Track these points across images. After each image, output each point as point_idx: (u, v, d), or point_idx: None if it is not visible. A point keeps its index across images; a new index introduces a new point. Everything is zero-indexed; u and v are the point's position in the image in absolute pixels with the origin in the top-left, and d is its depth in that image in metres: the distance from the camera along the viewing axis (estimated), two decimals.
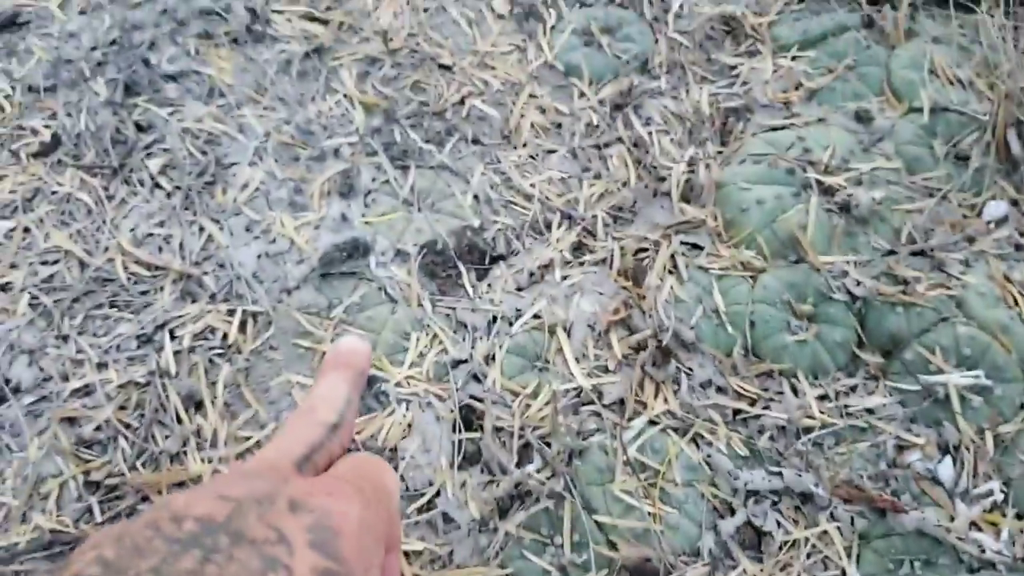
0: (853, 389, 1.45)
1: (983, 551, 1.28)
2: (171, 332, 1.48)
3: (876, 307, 1.49)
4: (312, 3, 1.92)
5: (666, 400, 1.43)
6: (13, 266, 1.54)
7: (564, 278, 1.57)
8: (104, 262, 1.55)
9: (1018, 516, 1.33)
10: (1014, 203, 1.62)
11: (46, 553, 1.29)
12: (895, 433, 1.40)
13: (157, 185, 1.65)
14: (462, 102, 1.78)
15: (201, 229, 1.60)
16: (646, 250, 1.60)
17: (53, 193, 1.63)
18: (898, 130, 1.69)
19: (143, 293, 1.53)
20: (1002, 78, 1.64)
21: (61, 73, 1.79)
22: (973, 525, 1.31)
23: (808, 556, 1.30)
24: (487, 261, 1.60)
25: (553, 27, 1.89)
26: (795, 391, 1.45)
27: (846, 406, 1.43)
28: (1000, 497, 1.34)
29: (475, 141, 1.74)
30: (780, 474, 1.35)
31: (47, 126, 1.72)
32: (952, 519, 1.31)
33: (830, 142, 1.66)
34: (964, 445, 1.38)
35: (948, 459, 1.37)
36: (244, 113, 1.75)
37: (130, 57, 1.82)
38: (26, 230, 1.59)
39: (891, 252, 1.55)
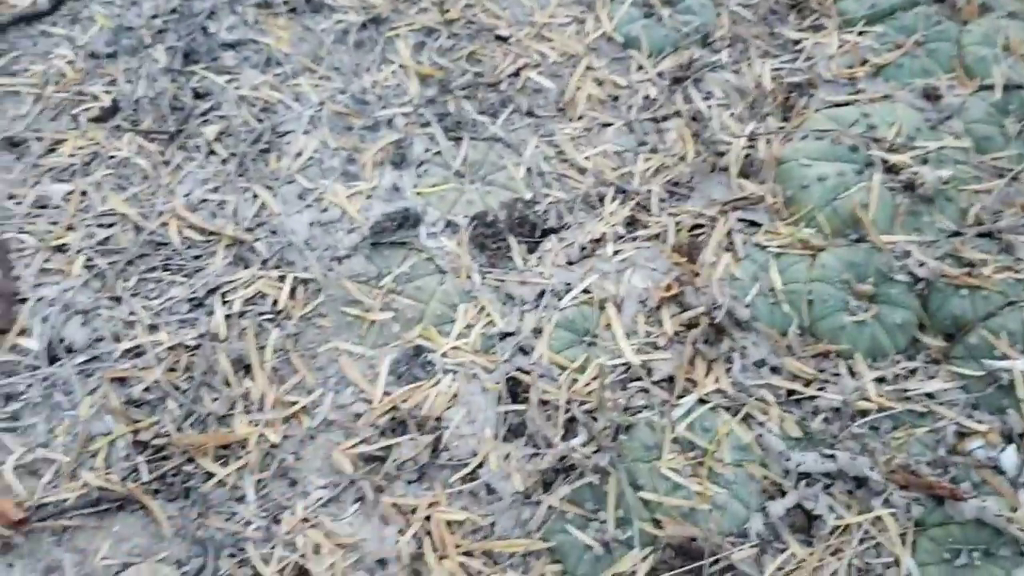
0: (913, 373, 1.40)
1: None
2: (222, 297, 1.49)
3: (940, 289, 1.44)
4: None
5: (717, 379, 1.40)
6: (70, 228, 1.56)
7: (616, 253, 1.54)
8: (158, 226, 1.57)
9: None
10: None
11: (93, 510, 1.31)
12: (956, 419, 1.35)
13: (212, 151, 1.66)
14: (517, 74, 1.76)
15: (255, 196, 1.61)
16: (702, 226, 1.57)
17: (111, 158, 1.65)
18: (968, 108, 1.63)
19: (196, 257, 1.54)
20: None
21: (122, 40, 1.81)
22: None
23: (860, 542, 1.26)
24: (538, 234, 1.58)
25: None
26: (852, 373, 1.40)
27: (905, 390, 1.38)
28: None
29: (529, 113, 1.72)
30: (834, 456, 1.31)
31: (107, 92, 1.74)
32: (1014, 509, 1.26)
33: (896, 119, 1.61)
34: None
35: (1012, 448, 1.32)
36: (300, 82, 1.75)
37: (190, 25, 1.83)
38: (83, 193, 1.61)
39: (957, 233, 1.50)
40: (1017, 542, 1.24)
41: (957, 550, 1.25)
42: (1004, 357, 1.38)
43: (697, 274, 1.50)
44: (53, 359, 1.43)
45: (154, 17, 1.85)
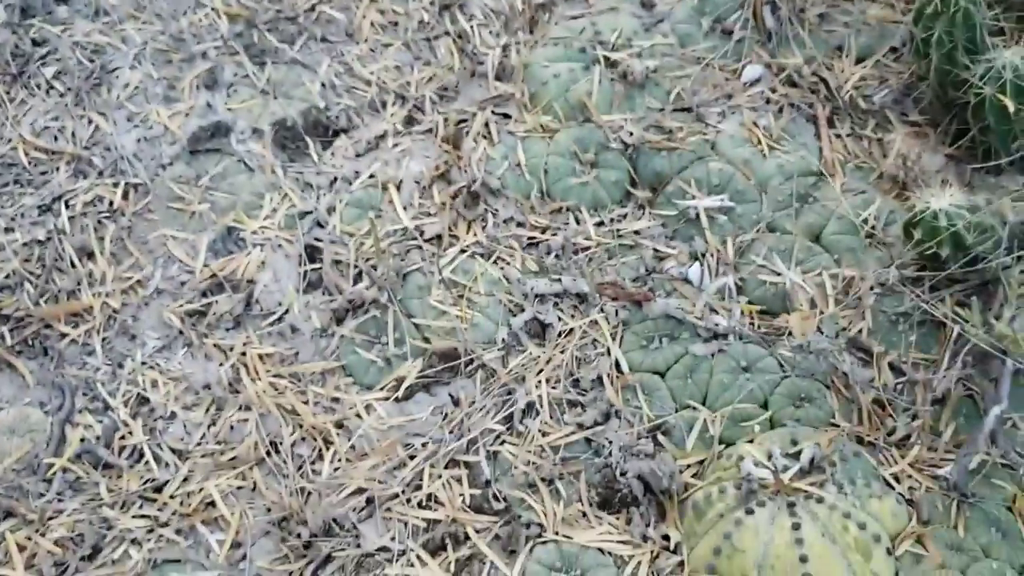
0: (624, 217, 1.80)
1: (717, 326, 1.63)
2: (66, 203, 1.79)
3: (645, 152, 1.84)
4: None
5: (475, 234, 1.77)
6: None
7: (395, 145, 1.90)
8: (8, 150, 1.85)
9: (748, 302, 1.69)
10: (767, 67, 1.97)
11: None
12: (654, 247, 1.75)
13: (51, 87, 1.95)
14: (312, 9, 2.09)
15: (90, 121, 1.91)
16: (465, 121, 1.93)
17: None
18: (674, 13, 2.03)
19: (43, 173, 1.83)
20: None
21: None
22: (711, 309, 1.67)
23: (580, 339, 1.64)
24: (331, 135, 1.92)
25: None
26: (577, 221, 1.79)
27: (618, 230, 1.77)
28: (734, 289, 1.69)
29: (323, 40, 2.05)
30: (560, 280, 1.69)
31: None
32: (694, 305, 1.67)
33: (618, 26, 2.00)
34: (710, 253, 1.73)
35: (696, 264, 1.73)
36: (125, 27, 2.05)
37: None
38: None
39: (661, 110, 1.90)
40: (695, 327, 1.64)
41: (651, 337, 1.65)
42: (693, 198, 1.79)
43: (460, 157, 1.87)
44: None
45: None
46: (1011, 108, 1.66)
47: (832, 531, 1.36)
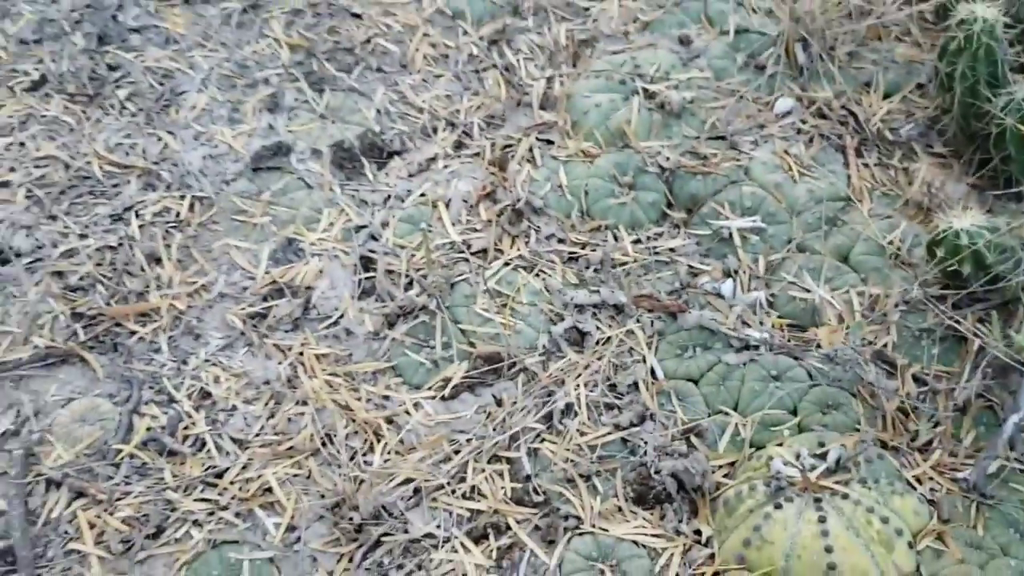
0: (660, 236, 1.90)
1: (749, 338, 1.72)
2: (136, 212, 1.92)
3: (681, 176, 1.94)
4: None
5: (519, 249, 1.88)
6: (12, 169, 1.98)
7: (446, 167, 2.02)
8: (84, 164, 1.99)
9: (779, 316, 1.77)
10: (799, 100, 2.08)
11: (43, 363, 1.72)
12: (689, 263, 1.84)
13: (124, 108, 2.09)
14: (368, 41, 2.23)
15: (159, 139, 2.04)
16: (511, 145, 2.05)
17: (43, 117, 2.07)
18: (710, 49, 2.15)
19: (115, 185, 1.97)
20: (794, 4, 2.10)
21: (45, 29, 2.23)
22: (743, 322, 1.75)
23: (618, 347, 1.74)
24: (385, 156, 2.04)
25: None
26: (616, 238, 1.89)
27: (655, 247, 1.87)
28: (765, 304, 1.78)
29: (379, 70, 2.19)
30: (598, 292, 1.79)
31: (36, 69, 2.16)
32: (726, 318, 1.76)
33: (656, 60, 2.12)
34: (742, 270, 1.83)
35: (729, 280, 1.82)
36: (193, 55, 2.20)
37: (102, 16, 2.26)
38: (21, 144, 2.03)
39: (697, 138, 2.01)
40: (727, 338, 1.73)
41: (685, 347, 1.73)
42: (726, 219, 1.89)
43: (506, 179, 1.98)
44: (5, 262, 1.84)
45: (72, 11, 2.28)
46: (1010, 131, 1.76)
47: (856, 525, 1.43)
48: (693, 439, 1.62)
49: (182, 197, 1.94)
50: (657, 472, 1.56)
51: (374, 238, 1.90)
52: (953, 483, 1.53)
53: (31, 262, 1.84)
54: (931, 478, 1.54)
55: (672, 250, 1.87)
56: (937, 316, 1.69)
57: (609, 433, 1.62)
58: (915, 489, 1.52)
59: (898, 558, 1.42)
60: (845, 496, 1.47)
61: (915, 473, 1.54)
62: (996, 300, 1.70)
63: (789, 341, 1.73)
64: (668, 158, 1.95)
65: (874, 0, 2.17)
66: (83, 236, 1.88)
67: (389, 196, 1.97)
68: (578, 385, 1.68)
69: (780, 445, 1.57)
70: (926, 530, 1.47)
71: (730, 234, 1.87)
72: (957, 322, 1.67)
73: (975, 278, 1.66)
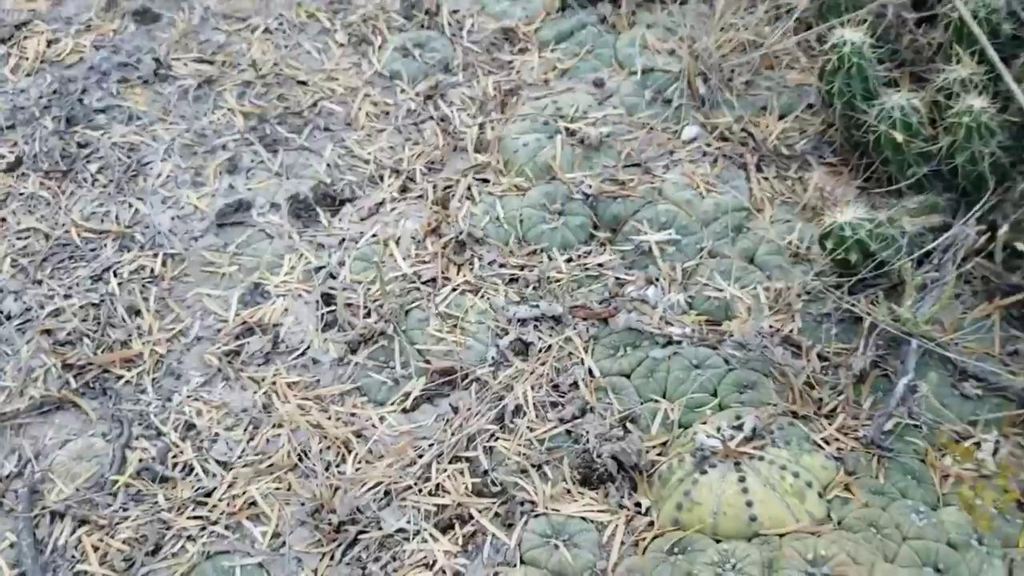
0: (589, 253, 2.13)
1: (672, 335, 1.94)
2: (114, 272, 2.11)
3: (603, 201, 2.18)
4: (202, 50, 2.60)
5: (464, 275, 2.09)
6: None
7: (393, 209, 2.24)
8: (63, 233, 2.18)
9: (697, 314, 2.00)
10: (703, 126, 2.33)
11: (39, 411, 1.90)
12: (615, 276, 2.07)
13: (96, 180, 2.30)
14: (315, 104, 2.46)
15: (130, 206, 2.24)
16: (451, 186, 2.28)
17: (21, 194, 2.27)
18: (621, 88, 2.41)
19: (93, 250, 2.16)
20: (692, 45, 2.36)
21: (17, 115, 2.44)
22: (665, 321, 1.98)
23: (558, 353, 1.95)
24: (338, 204, 2.26)
25: (380, 47, 2.59)
26: (550, 259, 2.11)
27: (584, 264, 2.10)
28: (684, 304, 2.01)
29: (326, 129, 2.42)
30: (538, 306, 2.01)
31: (11, 152, 2.36)
32: (652, 319, 1.98)
33: (575, 102, 2.37)
34: (662, 277, 2.06)
35: (652, 287, 2.04)
36: (155, 128, 2.41)
37: (69, 100, 2.47)
38: (3, 220, 2.22)
39: (615, 166, 2.25)
40: (653, 336, 1.95)
41: (617, 347, 1.95)
42: (645, 235, 2.12)
43: (449, 215, 2.20)
44: None
45: (41, 97, 2.49)
46: (900, 140, 2.02)
47: (772, 481, 1.64)
48: (628, 425, 1.82)
49: (155, 255, 2.14)
50: (599, 456, 1.76)
51: (332, 276, 2.10)
52: (856, 441, 1.75)
53: (21, 323, 2.02)
54: (837, 439, 1.76)
55: (600, 265, 2.10)
56: (834, 302, 1.93)
57: (555, 427, 1.83)
58: (823, 449, 1.73)
59: (810, 506, 1.63)
60: (761, 458, 1.68)
61: (823, 436, 1.76)
62: (884, 283, 1.94)
63: (707, 334, 1.95)
64: (591, 186, 2.19)
65: (763, 33, 2.45)
66: (67, 296, 2.07)
67: (344, 239, 2.18)
68: (525, 389, 1.88)
69: (704, 423, 1.78)
70: (834, 482, 1.68)
71: (650, 247, 2.10)
72: (852, 305, 1.91)
73: (862, 265, 1.90)
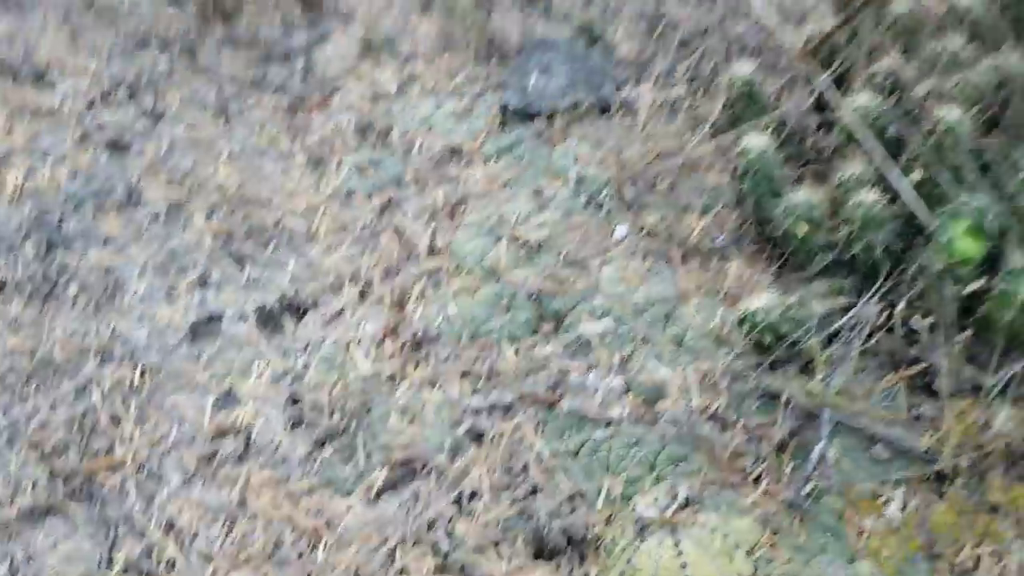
0: (535, 345, 2.33)
1: (612, 416, 2.14)
2: (96, 384, 2.28)
3: (546, 296, 2.40)
4: (171, 175, 2.82)
5: (422, 371, 2.28)
6: None
7: (353, 313, 2.44)
8: (46, 351, 2.35)
9: (635, 395, 2.20)
10: (632, 226, 2.58)
11: (29, 519, 2.04)
12: (559, 365, 2.27)
13: (76, 302, 2.48)
14: (278, 222, 2.68)
15: (109, 323, 2.42)
16: (407, 290, 2.48)
17: (5, 317, 2.44)
18: (558, 195, 2.65)
19: (75, 366, 2.33)
20: (619, 154, 2.62)
21: (0, 244, 2.63)
22: (606, 404, 2.17)
23: (510, 438, 2.13)
24: (302, 312, 2.46)
25: (337, 167, 2.83)
26: (500, 352, 2.31)
27: (531, 355, 2.30)
28: (623, 388, 2.21)
29: (289, 243, 2.63)
30: (490, 396, 2.20)
31: None
32: (594, 403, 2.18)
33: (517, 209, 2.61)
34: (601, 364, 2.26)
35: (593, 372, 2.25)
36: (130, 250, 2.61)
37: (48, 228, 2.67)
38: None
39: (555, 265, 2.48)
40: (595, 419, 2.14)
41: (564, 430, 2.14)
42: (584, 326, 2.33)
43: (405, 317, 2.41)
44: None
45: (20, 226, 2.68)
46: (804, 232, 2.27)
47: (704, 543, 1.83)
48: (576, 501, 2.00)
49: (134, 367, 2.31)
50: (550, 532, 1.93)
51: (299, 380, 2.29)
52: (779, 504, 1.94)
53: (9, 437, 2.17)
54: (761, 503, 1.95)
55: (546, 356, 2.30)
56: (754, 380, 2.14)
57: (509, 507, 2.00)
58: (750, 512, 1.92)
59: (738, 565, 1.81)
60: (694, 524, 1.86)
61: (750, 500, 1.95)
62: (797, 361, 2.16)
63: (643, 414, 2.15)
64: (534, 284, 2.41)
65: (682, 141, 2.72)
66: (52, 409, 2.22)
67: (308, 344, 2.37)
68: (480, 473, 2.06)
69: (642, 496, 1.97)
70: (760, 542, 1.87)
71: (589, 338, 2.31)
72: (770, 383, 2.12)
73: (776, 345, 2.13)
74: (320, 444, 2.15)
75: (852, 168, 2.29)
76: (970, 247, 2.02)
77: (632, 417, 2.14)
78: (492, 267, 2.48)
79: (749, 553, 1.85)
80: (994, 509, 1.88)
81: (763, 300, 2.12)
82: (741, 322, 2.14)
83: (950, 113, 2.15)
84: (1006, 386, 1.97)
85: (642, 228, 2.58)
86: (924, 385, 2.14)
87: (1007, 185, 2.08)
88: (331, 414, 2.20)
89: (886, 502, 1.92)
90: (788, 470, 2.01)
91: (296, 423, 2.21)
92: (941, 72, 2.30)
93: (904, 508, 1.91)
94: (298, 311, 2.46)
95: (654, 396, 2.19)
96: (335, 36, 3.40)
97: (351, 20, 3.42)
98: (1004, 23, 2.45)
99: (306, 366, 2.31)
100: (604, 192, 2.64)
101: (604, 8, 3.36)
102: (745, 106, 2.56)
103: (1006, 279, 1.98)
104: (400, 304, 2.43)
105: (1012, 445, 1.91)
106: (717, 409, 2.14)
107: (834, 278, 2.30)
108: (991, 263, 2.06)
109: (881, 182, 2.27)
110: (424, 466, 2.10)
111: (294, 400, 2.24)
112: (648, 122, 2.72)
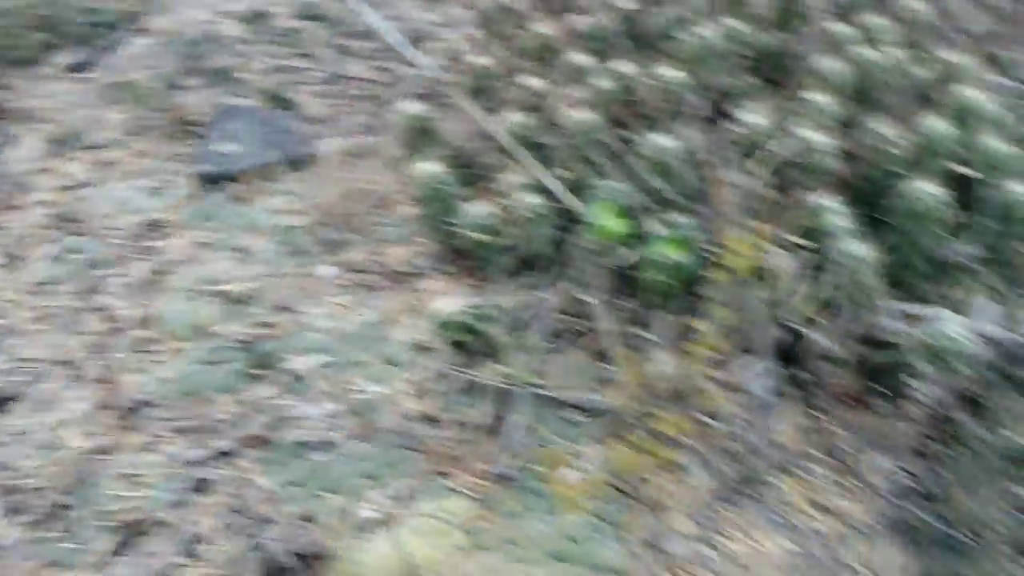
0: (250, 389, 2.40)
1: (329, 438, 2.24)
2: None
3: (260, 342, 2.48)
4: None
5: (141, 438, 2.30)
6: None
7: (64, 396, 2.42)
8: None
9: (352, 414, 2.32)
10: (337, 265, 2.72)
11: None
12: (278, 403, 2.35)
13: None
14: None
15: None
16: (118, 363, 2.49)
17: None
18: (261, 248, 2.76)
19: None
20: (315, 202, 2.76)
21: None
22: (326, 428, 2.27)
23: (233, 481, 2.19)
24: (7, 403, 2.41)
25: (36, 260, 2.80)
26: (216, 403, 2.37)
27: (247, 400, 2.37)
28: (342, 411, 2.32)
29: None
30: (210, 447, 2.25)
31: None
32: (314, 431, 2.27)
33: (222, 268, 2.69)
34: (317, 390, 2.36)
35: (309, 405, 2.35)
36: None
37: None
38: None
39: (264, 311, 2.57)
40: (314, 445, 2.24)
41: (286, 462, 2.22)
42: (297, 362, 2.43)
43: (118, 388, 2.41)
44: None
45: None
46: (481, 240, 2.49)
47: (421, 529, 1.96)
48: (305, 524, 2.08)
49: None
50: (280, 556, 2.00)
51: (12, 469, 2.25)
52: (491, 478, 2.11)
53: None
54: (474, 483, 2.11)
55: (262, 397, 2.38)
56: (458, 376, 2.32)
57: (240, 544, 2.05)
58: (464, 493, 2.07)
59: (455, 539, 1.96)
60: (412, 515, 1.99)
61: (462, 482, 2.10)
62: (492, 353, 2.36)
63: (363, 431, 2.27)
64: (245, 334, 2.49)
65: (374, 180, 2.91)
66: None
67: (21, 431, 2.33)
68: (208, 520, 2.10)
69: (366, 503, 2.08)
70: (475, 516, 2.02)
71: (303, 374, 2.41)
72: (472, 375, 2.30)
73: (472, 343, 2.31)
74: (39, 526, 2.12)
75: (514, 178, 2.54)
76: (616, 225, 2.29)
77: (352, 436, 2.25)
78: (202, 326, 2.54)
79: (464, 528, 1.99)
80: (671, 442, 2.12)
81: (453, 305, 2.30)
82: (441, 328, 2.31)
83: (581, 115, 2.45)
84: (663, 337, 2.24)
85: (347, 265, 2.72)
86: (602, 351, 2.39)
87: (636, 170, 2.38)
88: (49, 495, 2.18)
89: (579, 456, 2.12)
90: (496, 450, 2.18)
91: (15, 511, 2.17)
92: (571, 83, 2.60)
93: (594, 459, 2.12)
94: (4, 402, 2.42)
95: (372, 413, 2.32)
96: (23, 138, 3.37)
97: (37, 119, 3.41)
98: (624, 39, 2.82)
99: (18, 455, 2.27)
100: (305, 239, 2.77)
101: (288, 74, 3.53)
102: (420, 140, 2.77)
103: (649, 247, 2.27)
104: (110, 379, 2.44)
105: (675, 385, 2.17)
106: (429, 411, 2.29)
107: (519, 275, 2.52)
108: (639, 237, 2.34)
109: (540, 186, 2.53)
110: (153, 524, 2.12)
111: (10, 490, 2.20)
112: (338, 170, 2.89)
